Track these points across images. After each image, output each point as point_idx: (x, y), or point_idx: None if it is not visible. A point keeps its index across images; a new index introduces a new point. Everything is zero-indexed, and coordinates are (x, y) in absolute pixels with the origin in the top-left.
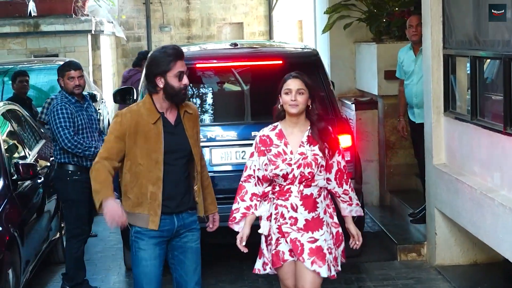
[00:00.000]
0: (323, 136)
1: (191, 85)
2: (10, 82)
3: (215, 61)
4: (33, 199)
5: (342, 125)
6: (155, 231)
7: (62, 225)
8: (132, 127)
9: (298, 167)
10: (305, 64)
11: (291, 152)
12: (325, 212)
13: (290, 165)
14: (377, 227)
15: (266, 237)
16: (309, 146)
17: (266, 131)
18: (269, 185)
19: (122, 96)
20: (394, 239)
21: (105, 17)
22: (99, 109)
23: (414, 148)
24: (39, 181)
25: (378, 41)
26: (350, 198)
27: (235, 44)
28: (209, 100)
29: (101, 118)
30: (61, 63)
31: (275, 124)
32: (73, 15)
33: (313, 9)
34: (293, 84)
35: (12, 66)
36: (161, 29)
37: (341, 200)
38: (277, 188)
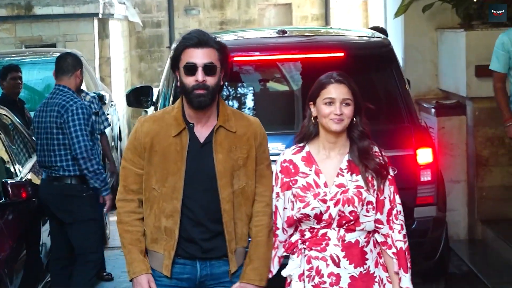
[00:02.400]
0: (365, 160)
1: (226, 84)
2: None
3: (257, 53)
4: (26, 228)
5: (420, 135)
6: (168, 278)
7: None
8: (148, 139)
9: (336, 204)
10: (374, 57)
11: (325, 184)
12: (376, 265)
13: (324, 201)
14: (465, 267)
15: None
16: (351, 175)
17: (288, 154)
18: (294, 231)
19: (137, 98)
20: (488, 282)
21: None
22: (107, 114)
23: None
24: (32, 205)
25: (467, 28)
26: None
27: (284, 32)
28: (249, 102)
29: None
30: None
31: (301, 144)
32: None
33: None
34: (337, 91)
35: None
36: (186, 12)
37: (392, 252)
38: (308, 235)
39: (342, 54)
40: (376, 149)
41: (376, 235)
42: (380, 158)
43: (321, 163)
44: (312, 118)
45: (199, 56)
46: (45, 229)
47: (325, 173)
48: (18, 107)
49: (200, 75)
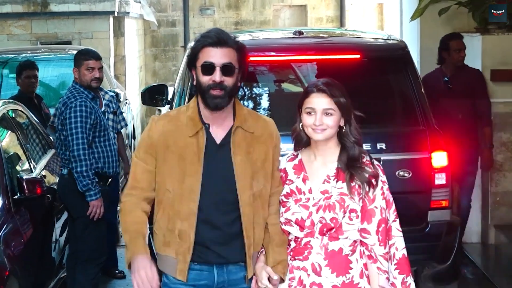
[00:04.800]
0: (352, 167)
1: (241, 84)
2: (14, 75)
3: (273, 53)
4: (40, 224)
5: (436, 139)
6: (185, 284)
7: None
8: (163, 139)
9: (318, 210)
10: (390, 60)
11: (310, 191)
12: (361, 276)
13: (306, 207)
14: (477, 271)
15: None
16: (336, 182)
17: (283, 162)
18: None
19: (153, 96)
20: (500, 287)
21: None
22: (122, 112)
23: None
24: (47, 200)
25: (483, 32)
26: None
27: (300, 33)
28: (264, 103)
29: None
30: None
31: (297, 152)
32: None
33: None
34: (317, 101)
35: (13, 56)
36: (201, 11)
37: (377, 267)
38: (293, 245)
39: (358, 56)
40: (367, 158)
41: (363, 247)
42: (370, 167)
43: (310, 170)
44: (300, 126)
45: (217, 55)
46: (58, 225)
47: (312, 180)
48: (35, 103)
49: (217, 75)
